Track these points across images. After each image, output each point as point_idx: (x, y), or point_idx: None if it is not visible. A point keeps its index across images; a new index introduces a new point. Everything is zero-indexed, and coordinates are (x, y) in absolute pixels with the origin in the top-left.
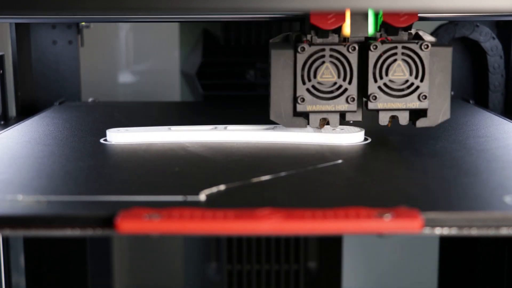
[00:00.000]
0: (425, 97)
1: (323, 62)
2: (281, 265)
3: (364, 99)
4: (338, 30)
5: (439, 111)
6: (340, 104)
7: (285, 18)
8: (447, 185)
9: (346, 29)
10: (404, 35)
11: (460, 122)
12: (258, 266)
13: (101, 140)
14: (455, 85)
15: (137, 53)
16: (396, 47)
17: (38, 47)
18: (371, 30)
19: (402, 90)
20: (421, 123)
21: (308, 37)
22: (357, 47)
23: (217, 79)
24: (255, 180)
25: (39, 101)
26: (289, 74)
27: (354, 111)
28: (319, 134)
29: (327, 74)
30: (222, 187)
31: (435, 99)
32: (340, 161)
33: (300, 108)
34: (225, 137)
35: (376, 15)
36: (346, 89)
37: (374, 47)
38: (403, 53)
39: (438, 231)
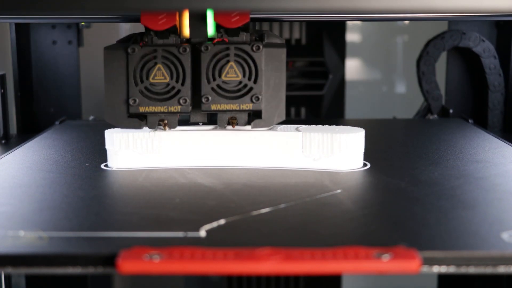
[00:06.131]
0: (258, 98)
1: (156, 63)
2: None
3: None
4: (177, 31)
5: (274, 113)
6: (173, 106)
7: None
8: (445, 219)
9: (186, 31)
10: (245, 36)
11: (459, 145)
12: None
13: (102, 166)
14: (453, 94)
15: None
16: (228, 48)
17: (38, 47)
18: (211, 31)
19: (236, 91)
20: (256, 124)
21: (149, 37)
22: (188, 48)
23: None
24: (255, 213)
25: (39, 102)
26: (121, 75)
27: (188, 112)
28: (318, 160)
29: (159, 76)
30: (222, 221)
31: (269, 100)
32: (339, 190)
33: (132, 109)
34: (224, 160)
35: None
36: (179, 91)
37: (205, 48)
38: (235, 54)
39: (436, 269)
